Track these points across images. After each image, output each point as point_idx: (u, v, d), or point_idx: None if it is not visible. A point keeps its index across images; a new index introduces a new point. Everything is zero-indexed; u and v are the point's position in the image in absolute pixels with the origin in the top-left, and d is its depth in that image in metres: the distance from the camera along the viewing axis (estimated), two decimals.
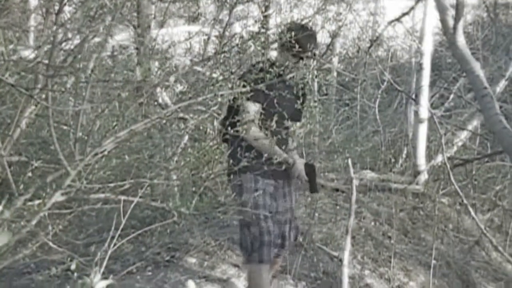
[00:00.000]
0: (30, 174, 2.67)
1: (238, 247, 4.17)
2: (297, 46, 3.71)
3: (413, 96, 6.01)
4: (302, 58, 3.75)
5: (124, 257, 4.54)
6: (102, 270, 2.55)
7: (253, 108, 3.75)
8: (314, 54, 3.77)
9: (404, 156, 6.38)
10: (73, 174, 2.67)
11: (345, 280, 2.06)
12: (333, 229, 5.01)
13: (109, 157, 2.89)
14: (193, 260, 4.51)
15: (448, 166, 4.94)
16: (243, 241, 3.75)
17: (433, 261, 4.70)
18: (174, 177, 4.57)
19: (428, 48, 5.68)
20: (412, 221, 5.36)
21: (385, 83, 6.97)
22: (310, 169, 3.86)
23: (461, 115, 7.07)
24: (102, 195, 2.92)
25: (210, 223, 5.11)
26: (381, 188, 5.56)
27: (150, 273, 4.40)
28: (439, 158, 5.68)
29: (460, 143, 6.27)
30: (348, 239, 2.04)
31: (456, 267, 4.97)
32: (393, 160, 6.18)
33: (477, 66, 2.60)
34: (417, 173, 5.59)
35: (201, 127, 4.29)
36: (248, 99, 3.63)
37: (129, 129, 2.84)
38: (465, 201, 4.76)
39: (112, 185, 2.80)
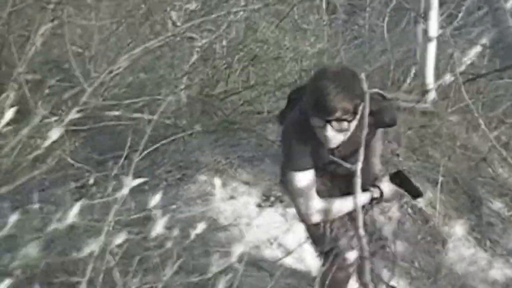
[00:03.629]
0: (47, 91, 2.71)
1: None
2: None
3: (422, 15, 5.97)
4: (329, 121, 2.83)
5: (136, 175, 4.59)
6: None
7: (305, 182, 3.01)
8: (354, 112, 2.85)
9: (412, 75, 6.38)
10: (89, 91, 2.71)
11: (358, 189, 2.12)
12: None
13: (124, 75, 2.92)
14: (204, 178, 4.60)
15: (460, 81, 4.95)
16: None
17: (440, 178, 4.78)
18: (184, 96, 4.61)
19: None
20: (420, 139, 5.41)
21: (394, 1, 6.91)
22: (400, 178, 3.23)
23: (470, 33, 7.03)
24: (116, 113, 2.98)
25: (220, 142, 5.17)
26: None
27: (162, 190, 4.49)
28: (448, 76, 5.69)
29: (468, 61, 6.26)
30: (362, 151, 2.09)
31: (463, 183, 5.05)
32: (401, 79, 6.20)
33: None
34: (425, 92, 5.60)
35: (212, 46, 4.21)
36: (292, 166, 2.99)
37: (143, 46, 2.86)
38: (476, 115, 4.78)
39: (126, 102, 2.84)
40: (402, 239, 4.45)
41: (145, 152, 3.31)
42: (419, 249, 4.74)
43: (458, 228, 4.84)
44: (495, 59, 6.19)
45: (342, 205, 3.13)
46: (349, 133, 2.93)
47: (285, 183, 3.14)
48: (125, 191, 1.79)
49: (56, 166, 2.98)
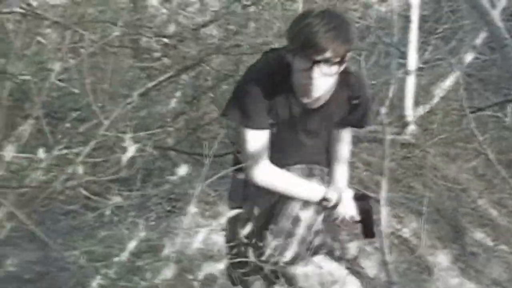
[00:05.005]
0: (68, 125, 2.71)
1: None
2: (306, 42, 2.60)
3: (397, 47, 6.12)
4: (317, 62, 2.60)
5: (127, 208, 4.60)
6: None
7: (257, 141, 2.76)
8: (342, 59, 2.64)
9: (387, 107, 6.49)
10: (106, 123, 2.72)
11: (384, 219, 2.17)
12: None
13: (138, 108, 2.95)
14: (194, 210, 4.60)
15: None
16: None
17: (424, 208, 4.88)
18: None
19: (416, 0, 5.76)
20: (402, 170, 5.50)
21: (369, 36, 7.05)
22: (364, 205, 2.88)
23: (440, 66, 7.21)
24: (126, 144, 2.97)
25: (208, 173, 5.17)
26: (370, 139, 5.68)
27: (153, 223, 4.49)
28: (427, 109, 5.83)
29: (441, 94, 6.40)
30: (385, 181, 2.15)
31: (445, 213, 5.16)
32: (377, 111, 6.30)
33: (496, 17, 2.70)
34: (405, 124, 5.71)
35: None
36: (246, 124, 2.74)
37: (156, 81, 2.89)
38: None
39: (142, 134, 2.86)
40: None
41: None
42: (406, 279, 4.80)
43: (443, 258, 4.93)
44: (471, 88, 6.36)
45: (291, 184, 2.84)
46: (331, 83, 2.71)
47: (238, 139, 2.85)
48: None
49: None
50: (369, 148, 5.62)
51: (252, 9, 4.81)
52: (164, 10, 4.05)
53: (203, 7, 4.52)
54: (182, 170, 2.01)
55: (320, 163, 3.00)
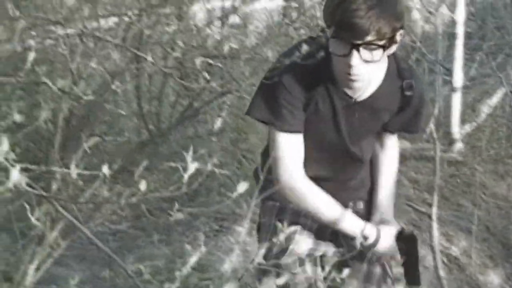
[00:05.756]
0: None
1: None
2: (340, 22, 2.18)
3: (442, 64, 6.08)
4: (356, 46, 2.17)
5: (174, 227, 4.64)
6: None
7: (290, 146, 2.32)
8: (389, 41, 2.20)
9: (434, 125, 6.44)
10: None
11: (436, 234, 2.13)
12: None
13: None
14: (241, 229, 4.60)
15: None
16: None
17: (474, 227, 4.82)
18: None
19: (461, 17, 5.73)
20: (450, 188, 5.44)
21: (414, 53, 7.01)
22: (408, 244, 2.41)
23: (485, 83, 7.14)
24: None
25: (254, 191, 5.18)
26: (417, 157, 5.64)
27: (201, 242, 4.50)
28: (473, 126, 5.77)
29: (488, 111, 6.34)
30: (435, 196, 2.12)
31: (496, 231, 5.08)
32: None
33: None
34: (452, 141, 5.66)
35: None
36: (277, 125, 2.30)
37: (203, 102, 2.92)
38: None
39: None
40: None
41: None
42: None
43: (494, 277, 4.84)
44: None
45: (325, 205, 2.36)
46: (377, 71, 2.27)
47: (269, 143, 2.39)
48: None
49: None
50: (416, 166, 5.58)
51: (303, 31, 4.83)
52: (217, 32, 4.10)
53: (257, 29, 4.58)
54: (242, 187, 1.98)
55: (360, 189, 2.54)
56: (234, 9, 4.85)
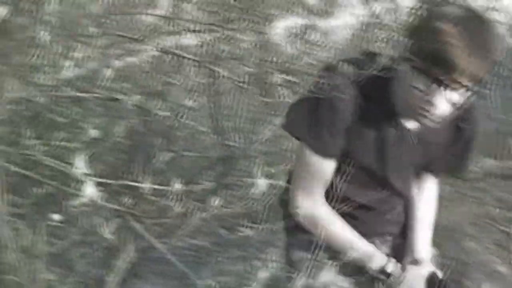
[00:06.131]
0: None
1: None
2: (437, 55, 1.92)
3: None
4: (444, 84, 1.95)
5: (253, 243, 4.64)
6: None
7: (320, 171, 2.13)
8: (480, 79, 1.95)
9: None
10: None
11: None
12: (457, 216, 5.01)
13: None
14: None
15: None
16: None
17: None
18: None
19: None
20: None
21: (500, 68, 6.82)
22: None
23: None
24: None
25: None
26: (503, 175, 5.48)
27: (274, 258, 4.50)
28: None
29: None
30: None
31: None
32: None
33: None
34: None
35: None
36: (314, 147, 2.10)
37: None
38: None
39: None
40: None
41: None
42: None
43: None
44: None
45: (340, 235, 2.17)
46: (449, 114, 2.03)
47: (297, 156, 2.22)
48: None
49: None
50: (502, 185, 5.42)
51: (383, 45, 4.77)
52: (295, 48, 4.09)
53: (336, 44, 4.54)
54: None
55: (394, 224, 2.37)
56: (313, 25, 4.84)
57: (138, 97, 1.55)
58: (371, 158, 2.18)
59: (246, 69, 3.14)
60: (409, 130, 2.22)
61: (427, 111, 2.05)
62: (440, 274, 2.26)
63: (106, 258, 3.57)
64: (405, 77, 2.03)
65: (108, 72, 1.62)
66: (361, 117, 2.11)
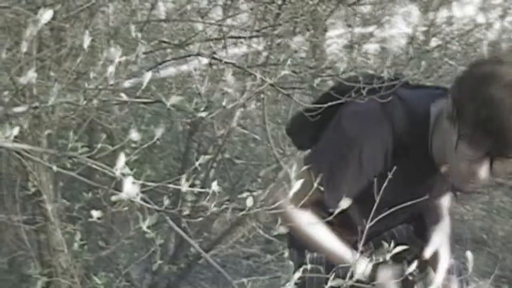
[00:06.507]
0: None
1: None
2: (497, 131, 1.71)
3: None
4: (493, 159, 1.76)
5: None
6: None
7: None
8: None
9: None
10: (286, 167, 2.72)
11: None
12: None
13: None
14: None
15: None
16: None
17: None
18: None
19: None
20: None
21: None
22: None
23: None
24: None
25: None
26: None
27: None
28: None
29: None
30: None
31: None
32: None
33: None
34: None
35: None
36: (325, 193, 1.86)
37: None
38: None
39: None
40: None
41: None
42: None
43: None
44: None
45: (322, 241, 2.00)
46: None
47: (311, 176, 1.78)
48: None
49: None
50: None
51: (436, 54, 4.67)
52: (349, 57, 4.04)
53: (394, 53, 4.48)
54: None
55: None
56: (371, 35, 4.80)
57: (181, 100, 1.55)
58: (401, 198, 1.91)
59: (298, 76, 3.10)
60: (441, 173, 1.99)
61: (472, 182, 1.87)
62: (414, 274, 2.07)
63: (152, 262, 3.59)
64: (451, 140, 1.81)
65: (147, 76, 1.63)
66: (390, 166, 1.85)
